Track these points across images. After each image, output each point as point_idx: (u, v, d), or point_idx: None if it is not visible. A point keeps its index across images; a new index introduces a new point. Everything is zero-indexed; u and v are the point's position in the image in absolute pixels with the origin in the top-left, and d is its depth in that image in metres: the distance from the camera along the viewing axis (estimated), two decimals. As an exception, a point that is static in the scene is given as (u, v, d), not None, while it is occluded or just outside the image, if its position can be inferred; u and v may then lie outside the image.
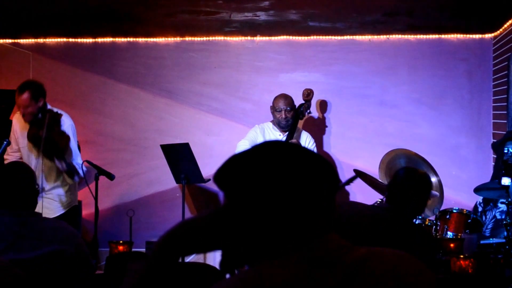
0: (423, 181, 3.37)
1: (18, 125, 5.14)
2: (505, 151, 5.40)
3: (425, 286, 1.22)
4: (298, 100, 5.83)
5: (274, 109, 5.75)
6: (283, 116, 5.67)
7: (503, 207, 5.35)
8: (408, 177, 3.35)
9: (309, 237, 1.22)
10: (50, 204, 5.02)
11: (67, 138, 4.85)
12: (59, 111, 4.97)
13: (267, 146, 1.28)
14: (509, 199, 4.66)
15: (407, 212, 3.29)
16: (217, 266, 1.34)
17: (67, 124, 5.00)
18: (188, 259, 5.78)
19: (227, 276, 1.28)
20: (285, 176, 1.22)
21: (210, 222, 1.28)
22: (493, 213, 5.46)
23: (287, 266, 1.19)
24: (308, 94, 5.87)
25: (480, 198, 5.72)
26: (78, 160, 5.02)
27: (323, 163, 1.27)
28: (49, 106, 5.02)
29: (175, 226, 1.31)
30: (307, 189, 1.22)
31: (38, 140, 4.78)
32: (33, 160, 5.01)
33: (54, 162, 4.83)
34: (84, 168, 5.01)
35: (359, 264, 1.20)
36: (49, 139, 4.76)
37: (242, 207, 1.23)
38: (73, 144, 5.00)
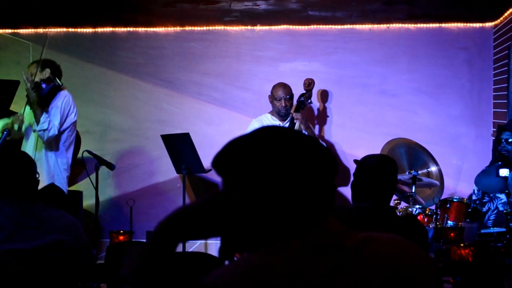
0: (393, 164, 3.12)
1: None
2: (503, 142, 5.39)
3: (423, 269, 1.23)
4: (298, 90, 5.82)
5: (273, 98, 5.74)
6: (283, 104, 5.66)
7: (504, 198, 5.33)
8: (379, 163, 3.10)
9: (309, 222, 1.22)
10: None
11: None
12: (64, 87, 5.08)
13: (266, 131, 1.28)
14: (506, 191, 4.66)
15: (386, 201, 3.06)
16: (217, 254, 1.33)
17: (63, 95, 5.06)
18: (191, 249, 5.80)
19: (226, 263, 1.28)
20: (284, 161, 1.22)
21: (209, 208, 1.27)
22: (495, 204, 5.43)
23: (287, 252, 1.19)
24: (309, 84, 5.85)
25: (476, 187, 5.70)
26: (55, 121, 4.98)
27: (321, 149, 1.27)
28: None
29: (173, 212, 1.31)
30: (306, 174, 1.22)
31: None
32: (31, 141, 5.01)
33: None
34: (54, 131, 4.96)
35: (359, 248, 1.20)
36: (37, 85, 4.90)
37: (240, 192, 1.23)
38: (57, 107, 5.01)
